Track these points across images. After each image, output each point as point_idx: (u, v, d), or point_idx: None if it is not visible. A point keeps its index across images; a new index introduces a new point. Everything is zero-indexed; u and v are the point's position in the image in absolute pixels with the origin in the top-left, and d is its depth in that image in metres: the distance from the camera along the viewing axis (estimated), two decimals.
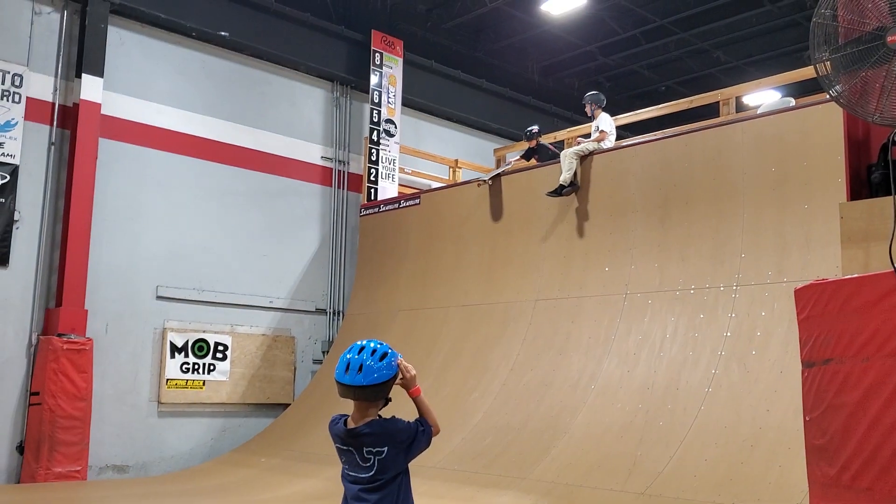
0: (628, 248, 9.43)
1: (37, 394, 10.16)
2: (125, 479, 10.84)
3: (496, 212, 11.27)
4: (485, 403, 9.52)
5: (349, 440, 3.26)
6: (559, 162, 10.28)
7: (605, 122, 10.49)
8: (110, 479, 10.75)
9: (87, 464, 10.34)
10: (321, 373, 12.58)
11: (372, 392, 3.24)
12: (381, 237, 13.04)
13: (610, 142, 10.41)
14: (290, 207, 13.40)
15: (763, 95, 11.53)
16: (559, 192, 10.10)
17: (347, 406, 3.34)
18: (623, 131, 13.65)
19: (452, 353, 10.61)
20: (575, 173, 10.05)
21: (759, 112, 9.26)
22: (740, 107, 11.32)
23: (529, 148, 12.23)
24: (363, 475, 3.23)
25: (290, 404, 12.57)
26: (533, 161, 12.01)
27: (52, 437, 9.99)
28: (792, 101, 9.82)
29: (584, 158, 10.17)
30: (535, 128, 12.17)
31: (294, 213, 13.44)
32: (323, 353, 13.29)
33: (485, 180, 11.39)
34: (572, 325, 9.52)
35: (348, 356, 3.27)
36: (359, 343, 3.32)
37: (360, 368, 3.22)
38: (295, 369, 13.06)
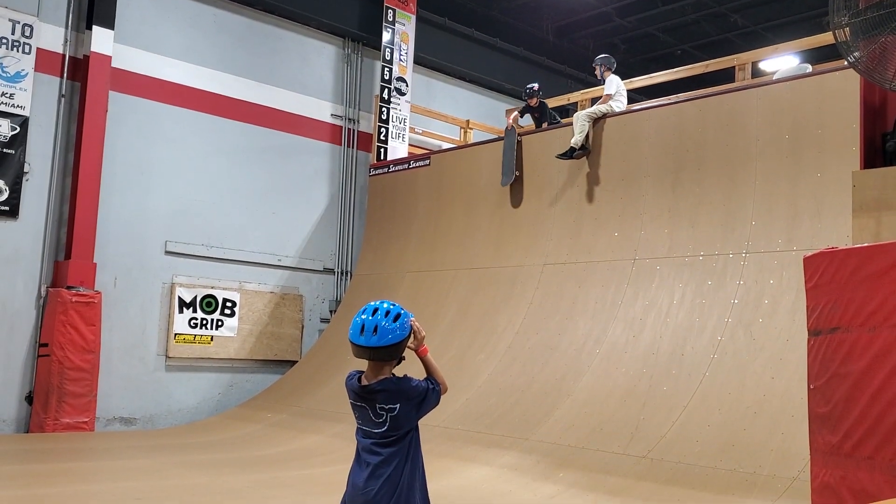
0: (638, 214, 9.37)
1: (46, 345, 10.26)
2: (132, 431, 10.99)
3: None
4: (490, 365, 9.56)
5: (363, 397, 3.34)
6: (571, 124, 10.18)
7: (612, 85, 10.33)
8: (118, 431, 10.89)
9: (94, 415, 10.47)
10: (328, 332, 12.64)
11: (386, 352, 3.31)
12: (391, 198, 13.00)
13: (620, 105, 10.29)
14: (299, 165, 13.36)
15: (780, 61, 11.34)
16: (570, 154, 10.01)
17: (362, 363, 3.39)
18: (637, 95, 13.50)
19: (459, 316, 10.63)
20: (587, 136, 9.96)
21: (775, 78, 9.12)
22: (756, 72, 11.13)
23: (528, 106, 12.05)
24: (376, 430, 3.31)
25: (296, 362, 12.66)
26: (544, 126, 11.89)
27: (61, 388, 10.11)
28: (809, 68, 9.67)
29: (597, 121, 10.07)
30: (535, 85, 11.97)
31: (303, 172, 13.41)
32: (330, 312, 13.34)
33: (515, 173, 10.91)
34: (579, 289, 9.50)
35: (362, 317, 3.30)
36: (372, 304, 3.35)
37: (375, 330, 3.27)
38: (302, 327, 13.13)
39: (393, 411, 3.30)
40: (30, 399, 10.32)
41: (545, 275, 10.03)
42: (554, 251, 10.12)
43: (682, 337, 8.13)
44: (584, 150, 9.99)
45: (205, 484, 7.32)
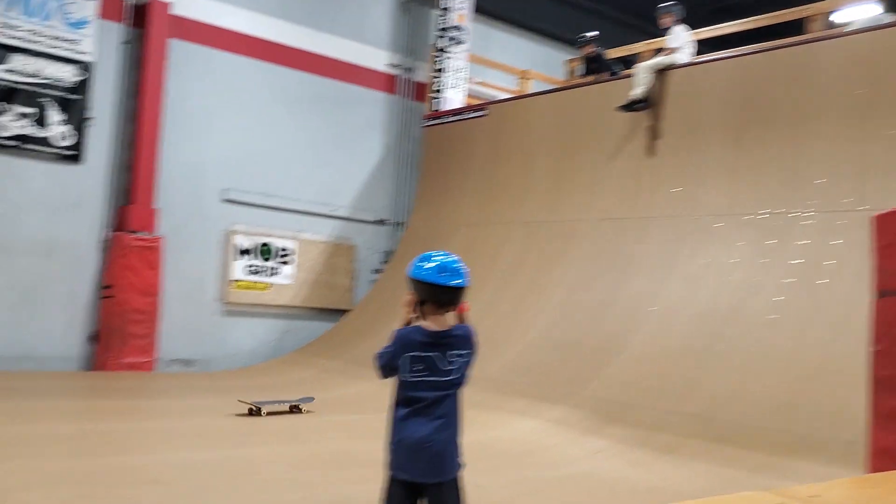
0: (699, 169, 9.14)
1: (109, 287, 10.55)
2: (191, 373, 11.29)
3: (565, 126, 11.01)
4: (541, 320, 9.51)
5: (436, 344, 3.28)
6: (632, 76, 9.91)
7: (677, 38, 9.99)
8: (176, 372, 11.21)
9: (154, 356, 10.78)
10: (380, 283, 12.73)
11: (464, 296, 3.31)
12: (446, 149, 12.91)
13: (685, 58, 9.97)
14: (354, 115, 13.34)
15: (856, 11, 10.80)
16: (631, 107, 9.77)
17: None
18: (702, 47, 13.05)
19: (512, 270, 10.58)
20: (649, 89, 9.69)
21: (850, 29, 8.71)
22: (829, 24, 10.64)
23: (586, 57, 11.76)
24: (444, 379, 3.28)
25: (348, 311, 12.81)
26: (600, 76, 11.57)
27: (123, 329, 10.42)
28: (888, 18, 9.20)
29: (660, 74, 9.78)
30: (589, 33, 11.62)
31: (358, 122, 13.39)
32: (382, 263, 13.42)
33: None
34: (636, 245, 9.35)
35: (447, 259, 3.29)
36: (434, 252, 3.34)
37: (463, 272, 3.30)
38: (355, 278, 13.25)
39: (463, 357, 3.33)
40: (93, 339, 10.67)
41: (601, 230, 9.89)
42: (611, 206, 9.96)
43: (740, 296, 7.95)
44: (646, 104, 9.74)
45: (258, 424, 7.49)
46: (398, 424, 3.29)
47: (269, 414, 7.74)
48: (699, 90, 9.39)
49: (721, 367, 7.42)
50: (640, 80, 9.70)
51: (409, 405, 3.28)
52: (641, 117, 9.87)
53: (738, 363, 7.35)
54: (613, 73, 11.37)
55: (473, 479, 5.63)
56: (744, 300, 7.88)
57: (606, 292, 9.19)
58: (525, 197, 11.21)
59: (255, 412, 7.74)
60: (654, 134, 9.76)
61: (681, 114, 9.53)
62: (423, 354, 3.28)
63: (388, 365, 3.34)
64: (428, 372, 3.28)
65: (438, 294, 3.28)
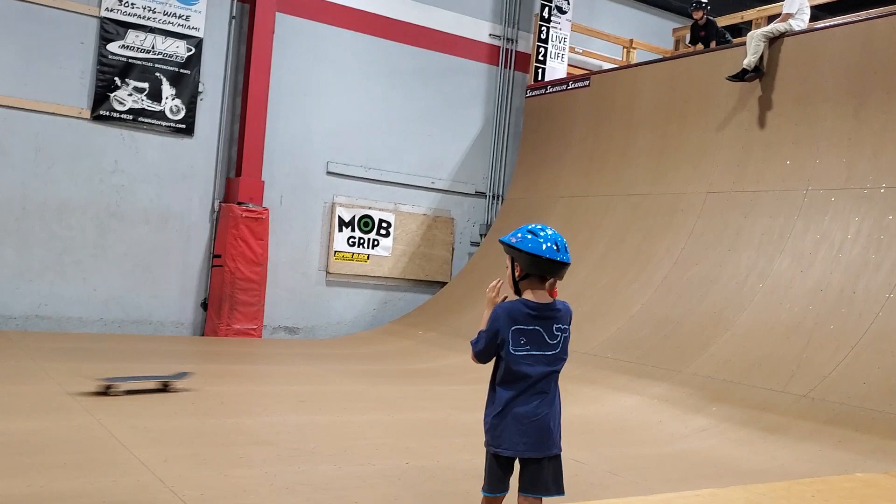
0: (814, 141, 8.73)
1: (219, 256, 10.98)
2: (295, 340, 11.66)
3: (670, 97, 10.69)
4: (644, 295, 9.34)
5: (541, 317, 3.26)
6: (743, 44, 9.52)
7: (793, 3, 9.50)
8: (282, 339, 11.59)
9: (262, 323, 11.17)
10: (478, 255, 12.76)
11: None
12: (547, 120, 12.76)
13: (801, 24, 9.49)
14: (455, 87, 13.33)
15: None
16: (741, 76, 9.40)
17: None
18: (819, 12, 12.39)
19: (613, 244, 10.41)
20: (761, 57, 9.29)
21: None
22: None
23: (695, 24, 11.36)
24: (549, 353, 3.26)
25: (446, 283, 12.91)
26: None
27: (232, 296, 10.83)
28: None
29: (773, 41, 9.36)
30: None
31: (459, 93, 13.38)
32: (480, 235, 13.44)
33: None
34: (745, 220, 9.03)
35: (551, 233, 3.26)
36: (536, 225, 3.30)
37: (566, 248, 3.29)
38: (453, 250, 13.32)
39: (565, 332, 3.32)
40: (205, 305, 11.13)
41: (708, 204, 9.60)
42: (719, 179, 9.64)
43: (854, 273, 7.59)
44: (758, 73, 9.35)
45: (361, 392, 7.68)
46: (503, 401, 3.25)
47: (128, 392, 6.52)
48: (815, 57, 8.94)
49: (833, 346, 7.12)
50: (752, 48, 9.30)
51: (514, 381, 3.24)
52: (752, 87, 9.48)
53: (850, 343, 7.03)
54: (724, 42, 10.96)
55: (573, 454, 5.61)
56: (859, 278, 7.52)
57: (712, 268, 8.94)
58: (627, 169, 10.98)
59: (108, 391, 6.41)
60: (765, 104, 9.36)
61: (795, 83, 9.10)
62: (529, 328, 3.24)
63: (486, 348, 3.27)
64: (533, 346, 3.25)
65: (545, 268, 3.23)
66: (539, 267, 3.23)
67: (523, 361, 3.23)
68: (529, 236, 3.25)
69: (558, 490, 3.27)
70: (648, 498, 1.67)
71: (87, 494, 4.03)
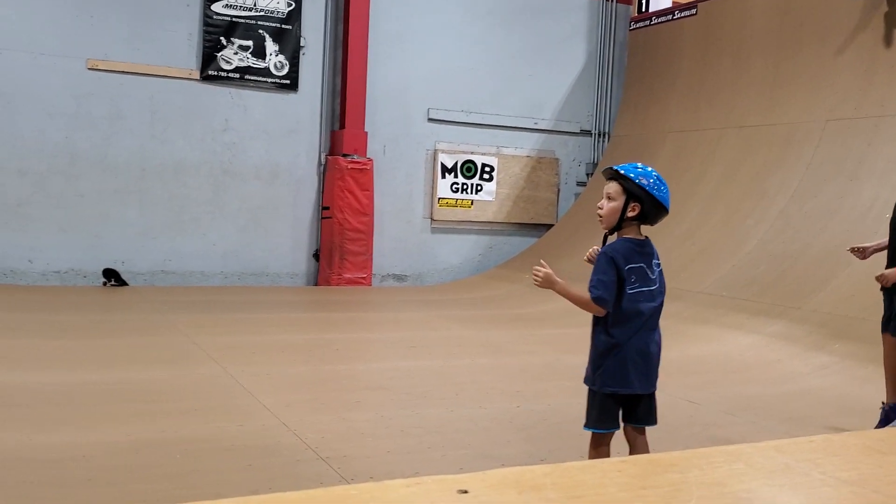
0: None
1: (327, 208, 11.23)
2: (403, 287, 11.87)
3: (784, 21, 10.09)
4: (759, 231, 8.98)
5: (644, 254, 3.33)
6: None
7: None
8: (391, 287, 11.82)
9: (371, 272, 11.42)
10: (584, 196, 12.55)
11: None
12: (652, 53, 12.30)
13: None
14: (555, 24, 12.99)
15: None
16: None
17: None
18: None
19: (725, 178, 10.02)
20: None
21: None
22: None
23: None
24: (653, 288, 3.32)
25: (552, 225, 12.79)
26: None
27: (342, 247, 11.10)
28: None
29: None
30: None
31: (559, 30, 13.03)
32: (587, 175, 13.20)
33: None
34: (868, 147, 8.50)
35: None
36: (651, 169, 3.31)
37: None
38: (558, 191, 13.15)
39: (659, 266, 3.40)
40: (317, 256, 11.46)
41: (827, 132, 9.08)
42: (839, 105, 9.08)
43: None
44: None
45: (469, 336, 7.77)
46: (620, 341, 3.24)
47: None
48: None
49: None
50: None
51: (629, 320, 3.25)
52: (877, 3, 8.81)
53: None
54: None
55: (688, 395, 5.52)
56: None
57: (832, 200, 8.49)
58: (738, 100, 10.48)
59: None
60: (892, 20, 8.69)
61: None
62: (636, 265, 3.28)
63: (611, 291, 3.21)
64: (640, 283, 3.27)
65: (658, 215, 3.32)
66: (658, 217, 3.33)
67: (636, 299, 3.27)
68: (660, 184, 3.26)
69: (656, 420, 3.42)
70: (759, 444, 1.62)
71: (216, 438, 4.26)
